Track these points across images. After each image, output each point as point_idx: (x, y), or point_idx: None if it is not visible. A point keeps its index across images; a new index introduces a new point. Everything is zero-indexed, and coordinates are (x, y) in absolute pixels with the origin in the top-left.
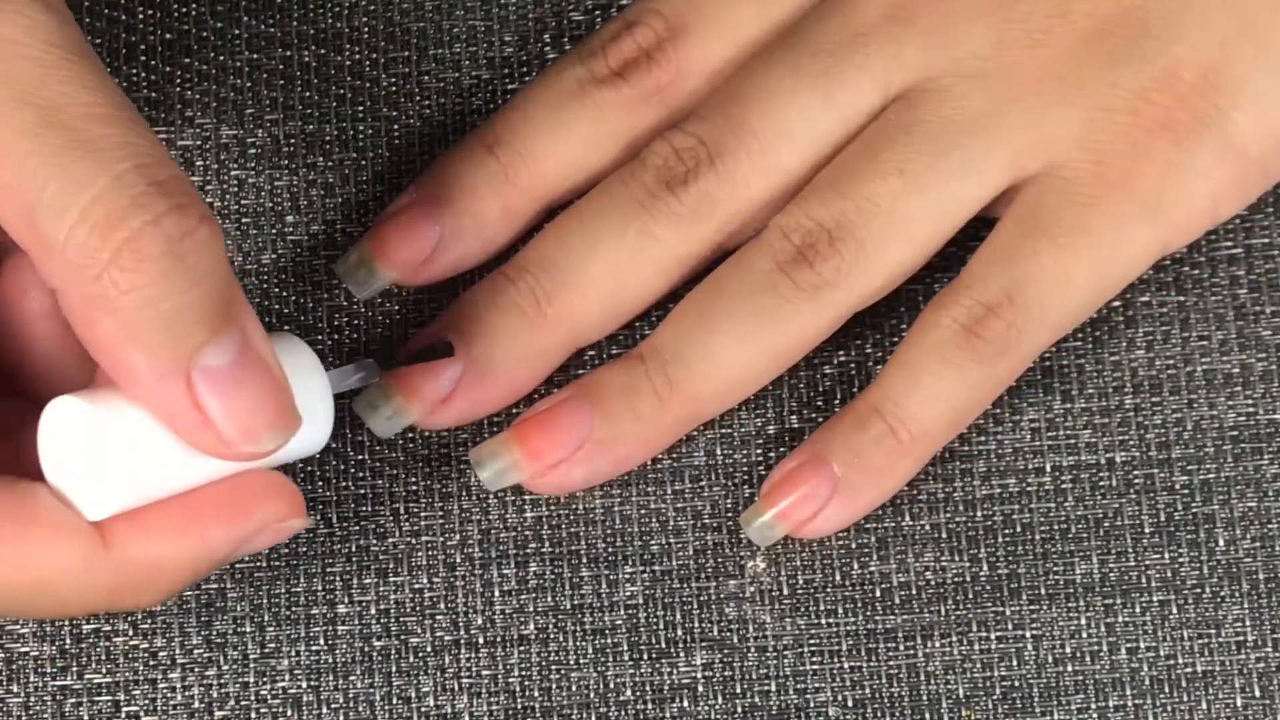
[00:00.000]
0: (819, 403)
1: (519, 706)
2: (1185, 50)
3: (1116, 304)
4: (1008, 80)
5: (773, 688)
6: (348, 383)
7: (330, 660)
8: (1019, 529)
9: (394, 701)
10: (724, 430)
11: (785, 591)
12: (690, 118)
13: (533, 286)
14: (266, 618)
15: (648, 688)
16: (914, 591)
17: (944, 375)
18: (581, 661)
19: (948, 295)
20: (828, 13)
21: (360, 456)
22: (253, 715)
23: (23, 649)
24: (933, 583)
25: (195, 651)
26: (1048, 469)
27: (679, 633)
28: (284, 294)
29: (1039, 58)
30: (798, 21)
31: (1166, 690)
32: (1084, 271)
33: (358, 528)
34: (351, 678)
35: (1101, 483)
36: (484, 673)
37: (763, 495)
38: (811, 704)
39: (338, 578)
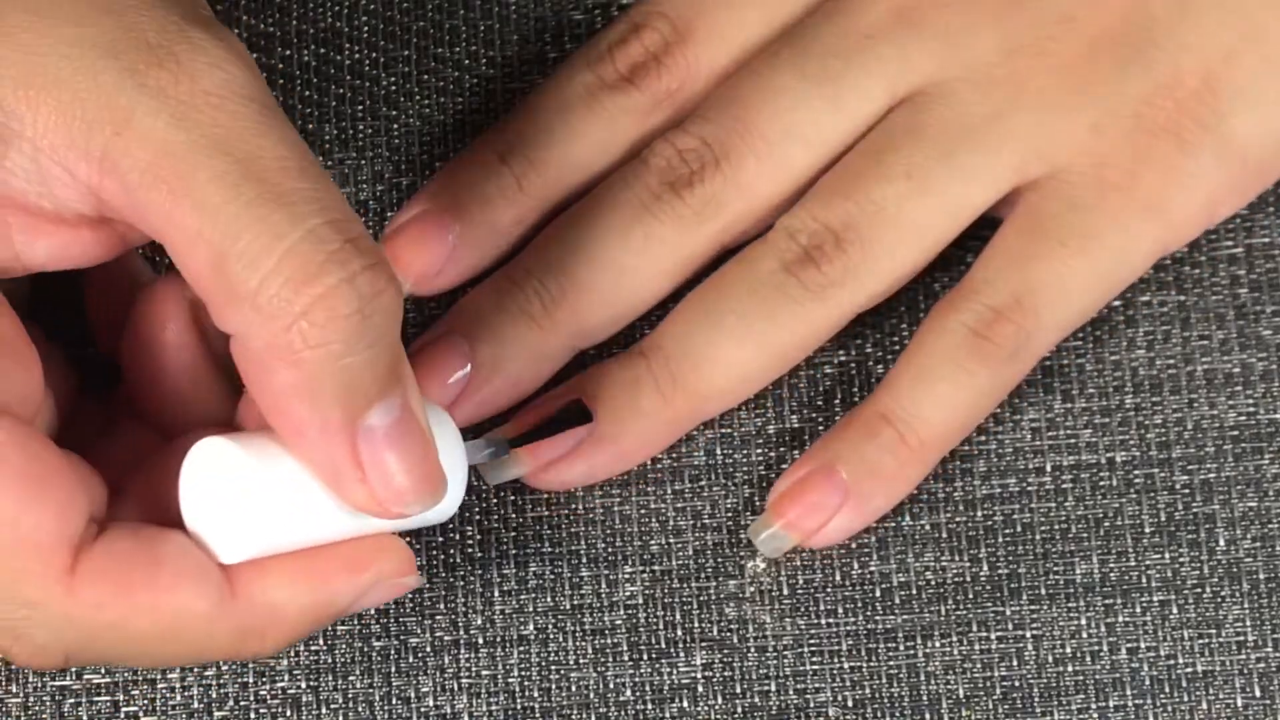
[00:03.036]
0: (819, 402)
1: (519, 706)
2: (1189, 58)
3: (1117, 304)
4: (1014, 86)
5: (773, 688)
6: (478, 457)
7: (330, 660)
8: (1019, 529)
9: (394, 701)
10: (724, 430)
11: (785, 591)
12: (692, 118)
13: (539, 291)
14: None
15: (648, 688)
16: (914, 591)
17: (955, 380)
18: (581, 661)
19: (955, 299)
20: (832, 13)
21: None
22: (252, 715)
23: None
24: (933, 583)
25: None
26: (1048, 469)
27: (679, 633)
28: None
29: (1045, 64)
30: (801, 22)
31: (1166, 690)
32: (1090, 274)
33: None
34: (351, 678)
35: (1101, 483)
36: (484, 673)
37: (770, 505)
38: (811, 704)
39: None
